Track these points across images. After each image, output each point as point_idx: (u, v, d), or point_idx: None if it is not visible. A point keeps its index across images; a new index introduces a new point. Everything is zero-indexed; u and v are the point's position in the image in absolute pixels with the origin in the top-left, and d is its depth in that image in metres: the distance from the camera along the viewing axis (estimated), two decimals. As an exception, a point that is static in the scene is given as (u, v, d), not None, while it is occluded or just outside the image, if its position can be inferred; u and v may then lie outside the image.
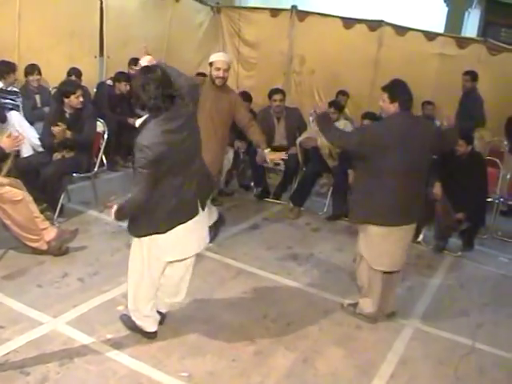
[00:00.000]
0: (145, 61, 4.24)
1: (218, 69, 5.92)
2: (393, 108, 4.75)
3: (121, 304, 4.92)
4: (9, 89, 7.53)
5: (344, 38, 10.60)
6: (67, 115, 6.50)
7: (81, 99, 6.45)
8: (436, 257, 6.88)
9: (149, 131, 3.75)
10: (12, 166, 5.97)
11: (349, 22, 10.68)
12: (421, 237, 7.16)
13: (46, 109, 7.70)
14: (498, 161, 7.98)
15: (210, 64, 5.99)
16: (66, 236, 5.76)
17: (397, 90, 4.81)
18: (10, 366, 3.94)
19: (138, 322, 4.38)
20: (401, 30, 10.32)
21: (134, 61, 9.40)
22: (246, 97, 8.40)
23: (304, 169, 8.08)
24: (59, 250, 5.66)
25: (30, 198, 5.47)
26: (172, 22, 10.78)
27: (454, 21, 12.98)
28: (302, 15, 11.13)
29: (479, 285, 6.27)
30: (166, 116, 3.78)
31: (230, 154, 7.96)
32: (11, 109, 7.45)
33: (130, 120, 8.65)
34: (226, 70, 6.01)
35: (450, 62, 9.79)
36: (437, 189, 6.79)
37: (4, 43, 8.12)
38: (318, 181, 8.17)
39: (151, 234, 4.03)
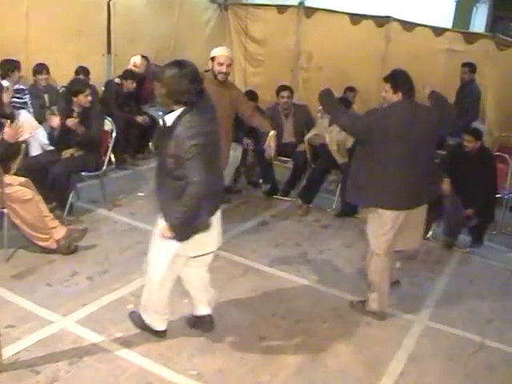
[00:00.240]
0: (136, 59, 4.31)
1: (221, 64, 5.83)
2: (396, 98, 4.82)
3: (130, 302, 4.94)
4: (15, 87, 7.54)
5: (351, 34, 10.53)
6: (75, 114, 6.52)
7: (89, 98, 6.47)
8: (445, 253, 6.86)
9: (189, 123, 3.79)
10: (21, 165, 5.99)
11: (356, 18, 10.62)
12: (430, 233, 7.14)
13: (54, 108, 7.72)
14: (507, 156, 7.96)
15: (212, 59, 5.90)
16: (76, 235, 5.78)
17: (399, 79, 4.88)
18: (21, 365, 3.95)
19: (148, 321, 4.39)
20: (408, 26, 10.26)
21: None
22: (252, 96, 8.39)
23: (312, 166, 8.07)
24: (68, 248, 5.68)
25: (39, 197, 5.50)
26: (179, 19, 10.78)
27: (462, 16, 12.92)
28: (309, 12, 11.08)
29: (488, 281, 6.25)
30: (198, 109, 3.86)
31: (239, 152, 7.95)
32: (20, 107, 7.48)
33: (139, 118, 8.71)
34: (229, 66, 5.93)
35: (458, 57, 9.71)
36: (446, 185, 6.79)
37: (12, 42, 8.14)
38: (326, 177, 8.15)
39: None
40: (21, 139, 5.77)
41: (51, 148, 6.74)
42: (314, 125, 8.31)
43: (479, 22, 13.56)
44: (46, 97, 8.04)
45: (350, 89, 9.76)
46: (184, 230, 3.91)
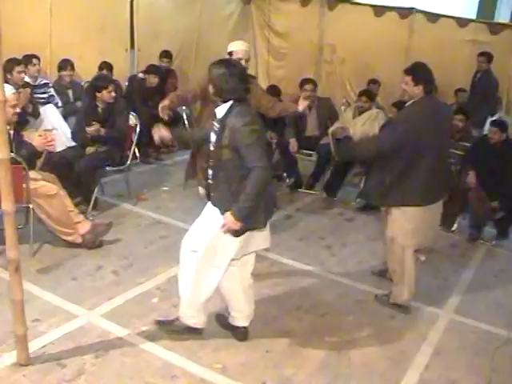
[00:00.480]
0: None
1: (240, 59, 5.58)
2: (417, 90, 4.79)
3: (155, 296, 4.98)
4: (38, 83, 7.59)
5: (375, 26, 10.48)
6: (100, 110, 6.57)
7: (113, 94, 6.51)
8: (470, 246, 6.81)
9: (242, 112, 3.90)
10: (46, 160, 6.04)
11: (379, 10, 10.57)
12: (455, 226, 7.11)
13: (79, 103, 7.78)
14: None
15: (230, 53, 5.70)
16: (100, 229, 5.82)
17: (420, 72, 4.86)
18: (47, 358, 3.99)
19: (187, 321, 4.33)
20: (432, 17, 10.18)
21: (165, 53, 9.51)
22: (275, 91, 8.40)
23: (336, 158, 8.04)
24: (93, 243, 5.72)
25: (64, 192, 5.54)
26: (202, 13, 10.76)
27: (487, 6, 12.79)
28: (332, 4, 11.03)
29: (514, 274, 6.20)
30: (247, 105, 4.01)
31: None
32: (46, 102, 7.54)
33: (162, 113, 8.70)
34: (248, 60, 5.80)
35: (482, 48, 9.58)
36: (471, 177, 6.75)
37: (36, 39, 8.19)
38: (350, 170, 8.12)
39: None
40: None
41: (74, 144, 6.79)
42: (337, 117, 8.27)
43: (504, 12, 13.38)
44: (70, 92, 8.09)
45: (373, 81, 9.72)
46: (248, 219, 3.89)
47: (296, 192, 8.18)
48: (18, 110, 5.22)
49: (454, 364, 4.44)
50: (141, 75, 9.04)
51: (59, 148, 6.89)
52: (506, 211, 6.80)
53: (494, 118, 8.45)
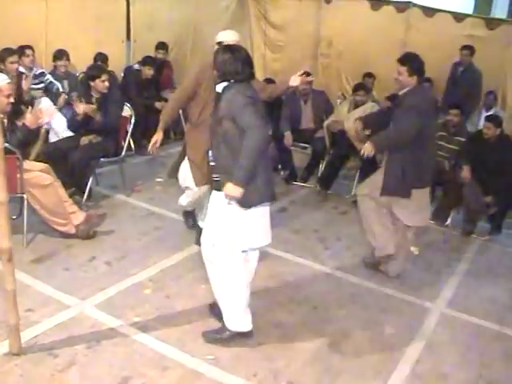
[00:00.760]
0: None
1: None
2: (412, 81, 4.95)
3: (148, 287, 4.99)
4: (33, 73, 7.58)
5: (371, 19, 10.45)
6: (94, 99, 6.55)
7: (106, 84, 6.48)
8: (464, 240, 6.84)
9: (239, 87, 3.96)
10: (40, 150, 6.03)
11: (376, 4, 10.52)
12: (449, 220, 7.13)
13: (74, 94, 7.74)
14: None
15: (220, 44, 5.27)
16: (94, 220, 5.84)
17: (415, 63, 5.00)
18: (39, 348, 4.00)
19: (234, 328, 4.31)
20: (429, 12, 10.16)
21: (161, 45, 9.49)
22: (270, 83, 8.37)
23: (331, 152, 8.04)
24: (87, 233, 5.73)
25: (58, 183, 5.53)
26: (198, 5, 10.73)
27: (484, 2, 12.80)
28: (330, -3, 11.03)
29: (507, 269, 6.21)
30: (246, 86, 4.03)
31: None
32: (44, 92, 7.56)
33: (157, 104, 8.71)
34: None
35: (479, 43, 9.61)
36: (465, 172, 6.77)
37: (32, 30, 8.16)
38: (345, 164, 8.13)
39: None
40: (42, 124, 5.78)
41: (68, 134, 6.77)
42: (332, 111, 8.29)
43: (500, 7, 13.38)
44: (66, 83, 8.07)
45: (369, 75, 9.71)
46: (249, 188, 3.90)
47: (290, 185, 8.20)
48: (11, 99, 5.21)
49: (444, 358, 4.45)
50: (136, 66, 9.04)
51: (53, 139, 6.92)
52: (499, 206, 6.84)
53: (489, 113, 8.45)
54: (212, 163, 4.15)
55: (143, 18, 9.81)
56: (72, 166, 6.35)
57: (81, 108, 6.37)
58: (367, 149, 5.06)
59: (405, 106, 5.00)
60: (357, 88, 8.11)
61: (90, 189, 6.63)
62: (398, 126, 5.07)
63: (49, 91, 7.76)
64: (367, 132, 7.01)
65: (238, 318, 4.26)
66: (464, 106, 7.70)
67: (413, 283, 5.53)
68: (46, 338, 4.12)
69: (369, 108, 7.68)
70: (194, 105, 5.32)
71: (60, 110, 7.45)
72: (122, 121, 7.03)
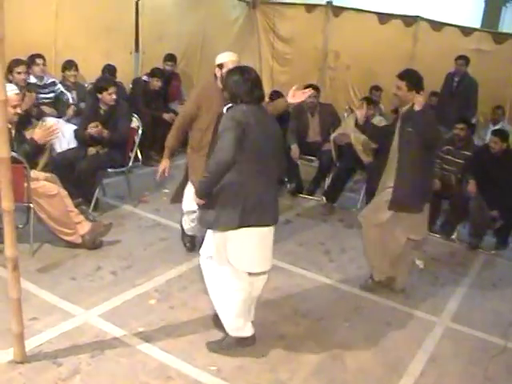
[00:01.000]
0: None
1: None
2: (410, 96, 4.97)
3: (153, 298, 5.00)
4: (44, 82, 7.61)
5: (379, 33, 10.52)
6: (102, 111, 6.60)
7: (113, 96, 6.52)
8: (469, 254, 6.82)
9: (239, 108, 4.00)
10: (48, 161, 6.07)
11: (384, 18, 10.61)
12: (455, 234, 7.12)
13: (82, 104, 7.80)
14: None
15: (220, 66, 5.23)
16: (100, 230, 5.84)
17: (415, 78, 5.03)
18: (43, 357, 4.01)
19: (234, 333, 4.33)
20: (437, 26, 10.21)
21: (170, 56, 9.54)
22: (278, 96, 8.41)
23: (338, 165, 8.05)
24: (93, 243, 5.74)
25: (64, 193, 5.56)
26: (207, 17, 10.81)
27: (491, 16, 12.84)
28: (337, 11, 11.10)
29: (513, 283, 6.21)
30: (252, 107, 4.01)
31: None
32: (52, 102, 7.63)
33: (165, 115, 8.76)
34: None
35: (486, 57, 9.66)
36: (471, 186, 6.78)
37: (41, 41, 8.20)
38: (351, 177, 8.14)
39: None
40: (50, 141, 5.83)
41: (75, 145, 6.82)
42: (339, 124, 8.29)
43: (508, 22, 13.41)
44: (74, 93, 8.11)
45: (376, 88, 9.75)
46: (227, 209, 3.94)
47: (296, 197, 8.22)
48: (19, 110, 5.25)
49: (448, 372, 4.44)
50: (145, 78, 9.09)
51: (60, 149, 6.95)
52: (505, 220, 6.83)
53: (496, 127, 8.46)
54: None
55: (152, 30, 9.89)
56: (79, 176, 6.39)
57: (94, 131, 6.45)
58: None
59: (426, 119, 4.99)
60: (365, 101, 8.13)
61: (97, 199, 6.67)
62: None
63: (59, 101, 7.78)
64: (373, 145, 7.07)
65: (236, 325, 4.28)
66: (461, 116, 7.75)
67: (418, 296, 5.53)
68: (50, 347, 4.13)
69: (376, 122, 7.69)
70: (195, 128, 5.30)
71: (68, 120, 7.50)
72: (130, 132, 7.06)
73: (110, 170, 6.84)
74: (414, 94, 4.91)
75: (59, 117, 7.49)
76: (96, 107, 6.63)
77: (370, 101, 8.13)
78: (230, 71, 4.21)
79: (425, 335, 4.90)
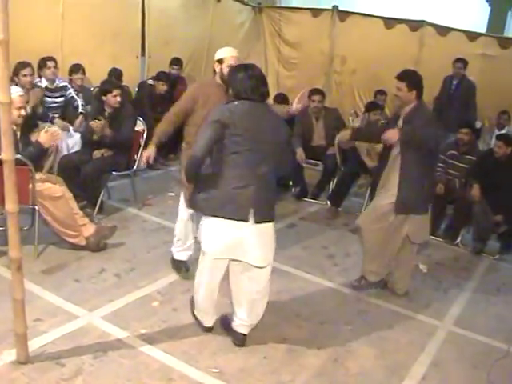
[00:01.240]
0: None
1: (231, 66, 4.99)
2: (411, 96, 4.98)
3: (156, 300, 5.01)
4: (55, 85, 7.62)
5: (385, 38, 10.54)
6: (106, 114, 6.63)
7: (118, 99, 6.55)
8: (473, 259, 6.83)
9: (231, 104, 4.04)
10: (53, 163, 6.10)
11: (390, 23, 10.63)
12: (459, 239, 7.12)
13: (88, 107, 7.82)
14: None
15: (220, 61, 5.15)
16: (105, 232, 5.86)
17: (414, 79, 5.04)
18: (47, 357, 4.03)
19: (197, 314, 4.60)
20: (442, 30, 10.23)
21: (176, 60, 9.57)
22: (283, 99, 8.46)
23: (342, 169, 8.06)
24: (97, 245, 5.76)
25: (69, 195, 5.59)
26: (213, 21, 10.86)
27: (497, 21, 12.84)
28: (343, 15, 11.12)
29: (516, 288, 6.20)
30: (252, 104, 4.04)
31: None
32: (63, 106, 7.63)
33: (171, 119, 8.76)
34: None
35: (492, 62, 9.68)
36: (475, 191, 6.77)
37: (48, 44, 8.23)
38: (356, 181, 8.16)
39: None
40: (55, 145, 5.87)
41: (81, 148, 6.86)
42: (344, 128, 8.30)
43: (514, 27, 13.43)
44: (81, 96, 8.14)
45: (381, 92, 9.75)
46: (205, 196, 4.07)
47: (301, 201, 8.23)
48: (23, 112, 5.28)
49: (450, 376, 4.44)
50: (150, 81, 9.13)
51: (65, 152, 6.99)
52: (509, 225, 6.82)
53: (500, 132, 8.47)
54: None
55: (158, 34, 9.93)
56: (84, 179, 6.43)
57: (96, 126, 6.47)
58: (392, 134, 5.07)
59: (425, 119, 5.01)
60: (371, 107, 8.15)
61: (102, 202, 6.70)
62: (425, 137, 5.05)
63: (68, 105, 7.73)
64: (379, 149, 7.07)
65: (199, 311, 4.55)
66: (461, 120, 7.75)
67: (421, 301, 5.53)
68: (53, 348, 4.14)
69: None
70: (190, 123, 5.17)
71: (76, 130, 7.50)
72: (135, 135, 7.09)
73: (114, 173, 6.85)
74: (415, 94, 4.92)
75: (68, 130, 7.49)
76: (101, 109, 6.66)
77: (378, 107, 8.16)
78: (235, 68, 4.24)
79: (427, 339, 4.90)
